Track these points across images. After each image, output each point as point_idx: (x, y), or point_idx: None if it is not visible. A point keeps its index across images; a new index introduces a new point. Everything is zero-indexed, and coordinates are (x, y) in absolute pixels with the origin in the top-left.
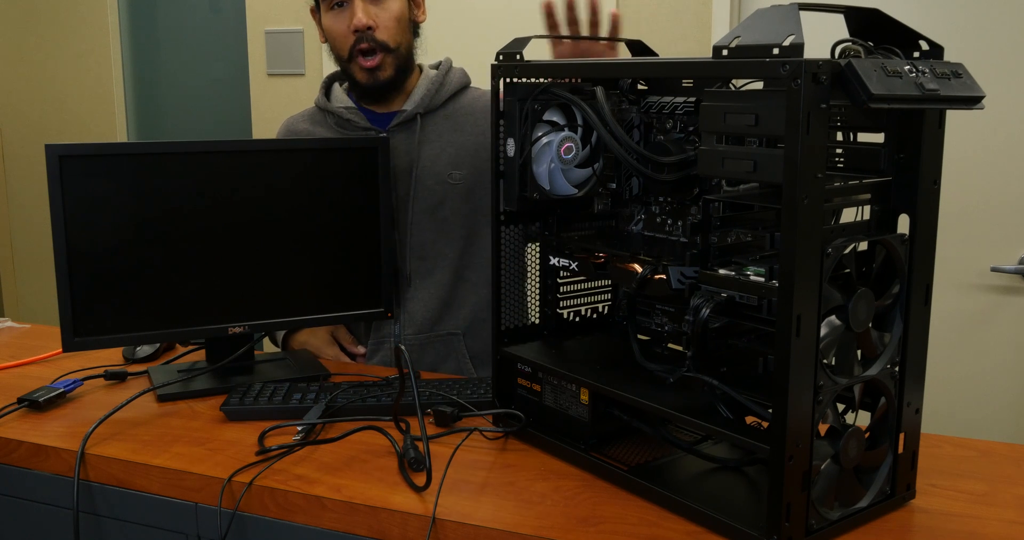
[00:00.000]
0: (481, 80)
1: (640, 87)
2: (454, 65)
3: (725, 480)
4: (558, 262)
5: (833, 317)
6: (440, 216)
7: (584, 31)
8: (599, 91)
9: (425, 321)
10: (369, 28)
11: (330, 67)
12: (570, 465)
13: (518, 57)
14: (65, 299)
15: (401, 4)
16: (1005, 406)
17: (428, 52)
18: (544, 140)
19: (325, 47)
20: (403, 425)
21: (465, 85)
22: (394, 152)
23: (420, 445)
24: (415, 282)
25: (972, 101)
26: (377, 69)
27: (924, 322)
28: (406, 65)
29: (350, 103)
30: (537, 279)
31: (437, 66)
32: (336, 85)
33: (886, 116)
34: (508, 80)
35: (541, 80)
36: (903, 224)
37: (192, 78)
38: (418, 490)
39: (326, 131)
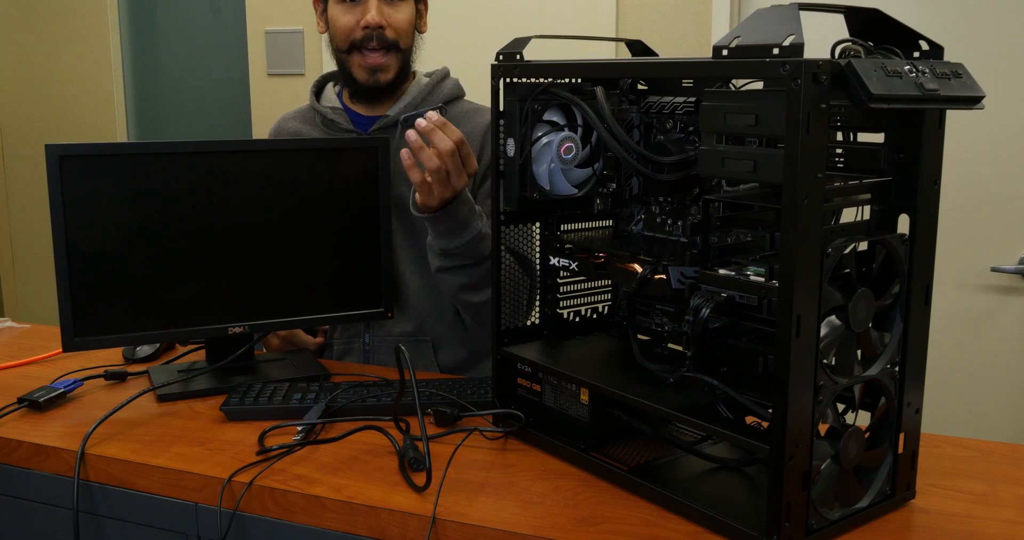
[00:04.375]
0: (481, 81)
1: (640, 87)
2: (451, 75)
3: (725, 480)
4: (558, 262)
5: (833, 317)
6: (408, 222)
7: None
8: (599, 91)
9: (390, 323)
10: (380, 26)
11: (331, 67)
12: (570, 465)
13: (518, 57)
14: (65, 299)
15: (411, 10)
16: (1005, 406)
17: (427, 57)
18: (544, 140)
19: (324, 42)
20: (403, 425)
21: (458, 97)
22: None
23: (420, 445)
24: None
25: (972, 101)
26: (379, 70)
27: (924, 322)
28: (406, 70)
29: (337, 104)
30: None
31: (431, 75)
32: (329, 85)
33: (886, 116)
34: (508, 80)
35: (541, 80)
36: (903, 224)
37: (192, 78)
38: (418, 490)
39: (313, 130)
